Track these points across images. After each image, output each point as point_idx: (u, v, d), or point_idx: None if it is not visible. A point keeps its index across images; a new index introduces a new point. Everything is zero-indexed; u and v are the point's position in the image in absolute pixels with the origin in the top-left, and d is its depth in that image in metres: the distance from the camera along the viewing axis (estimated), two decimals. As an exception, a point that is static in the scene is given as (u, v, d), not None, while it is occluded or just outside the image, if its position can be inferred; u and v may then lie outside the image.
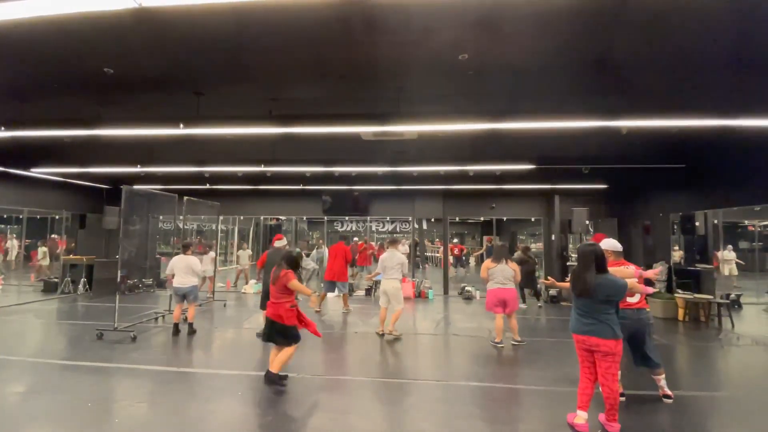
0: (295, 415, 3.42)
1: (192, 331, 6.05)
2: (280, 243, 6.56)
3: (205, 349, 5.49)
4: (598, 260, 3.16)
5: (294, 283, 3.96)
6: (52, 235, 11.53)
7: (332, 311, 8.15)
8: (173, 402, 3.68)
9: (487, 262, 5.80)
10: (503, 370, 4.73)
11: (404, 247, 11.03)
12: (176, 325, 6.06)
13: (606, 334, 3.09)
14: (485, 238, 19.01)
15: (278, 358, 3.93)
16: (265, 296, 6.19)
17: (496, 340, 5.60)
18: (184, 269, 6.06)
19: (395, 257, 6.18)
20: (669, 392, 3.79)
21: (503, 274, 5.58)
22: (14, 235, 10.89)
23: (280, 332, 3.95)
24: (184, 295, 6.10)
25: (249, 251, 11.88)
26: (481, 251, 16.77)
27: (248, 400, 3.70)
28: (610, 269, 3.36)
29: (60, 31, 3.44)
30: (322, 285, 9.72)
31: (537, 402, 3.79)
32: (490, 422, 3.31)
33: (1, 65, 4.22)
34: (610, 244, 3.86)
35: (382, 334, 6.09)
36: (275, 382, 3.91)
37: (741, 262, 8.41)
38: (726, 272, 7.99)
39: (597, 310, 3.14)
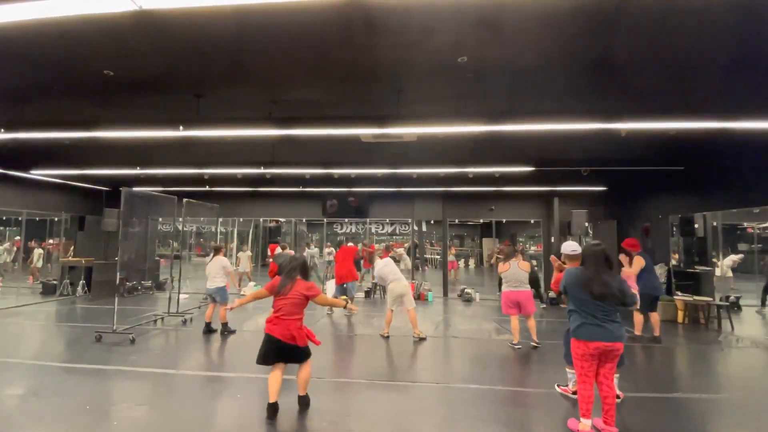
0: (296, 418, 3.41)
1: (227, 331, 6.23)
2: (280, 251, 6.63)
3: (205, 351, 5.48)
4: (607, 261, 3.11)
5: (323, 297, 3.65)
6: (50, 240, 11.55)
7: (335, 313, 8.14)
8: (172, 405, 3.67)
9: (500, 266, 5.91)
10: (503, 372, 4.72)
11: (400, 250, 11.13)
12: (207, 324, 6.30)
13: (623, 336, 3.05)
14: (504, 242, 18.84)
15: (303, 380, 3.52)
16: None
17: (513, 342, 5.65)
18: (214, 271, 6.33)
19: (391, 260, 6.29)
20: (620, 393, 3.72)
21: (516, 277, 5.63)
22: (17, 237, 10.87)
23: (294, 350, 3.41)
24: (213, 297, 6.36)
25: (249, 253, 11.84)
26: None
27: (248, 402, 3.69)
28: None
29: (60, 33, 3.45)
30: (324, 287, 9.74)
31: (538, 405, 3.78)
32: (491, 424, 3.30)
33: (1, 67, 4.23)
34: (566, 247, 3.92)
35: (387, 336, 6.08)
36: (309, 403, 3.56)
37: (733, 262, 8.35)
38: (718, 273, 7.96)
39: (614, 312, 3.05)
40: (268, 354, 3.40)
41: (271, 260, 6.63)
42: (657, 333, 5.97)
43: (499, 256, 11.14)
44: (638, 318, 6.08)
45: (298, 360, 3.49)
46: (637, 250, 6.08)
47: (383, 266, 6.27)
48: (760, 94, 4.57)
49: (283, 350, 3.38)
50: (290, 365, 3.52)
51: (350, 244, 11.05)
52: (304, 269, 3.58)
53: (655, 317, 6.02)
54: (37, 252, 11.26)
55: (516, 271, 5.65)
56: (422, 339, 5.96)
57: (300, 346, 3.39)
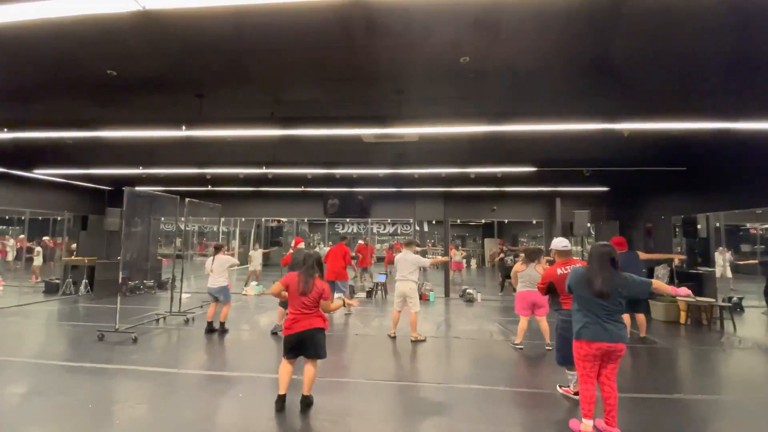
0: (297, 417, 3.42)
1: (223, 331, 6.21)
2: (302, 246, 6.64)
3: (207, 350, 5.49)
4: (613, 261, 3.10)
5: (328, 303, 3.61)
6: (44, 237, 11.61)
7: (335, 314, 8.14)
8: (174, 404, 3.68)
9: (517, 266, 5.82)
10: (505, 373, 4.71)
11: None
12: (209, 324, 6.24)
13: (626, 337, 3.05)
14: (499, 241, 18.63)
15: (309, 378, 3.54)
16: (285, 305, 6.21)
17: (515, 341, 5.62)
18: (216, 270, 6.25)
19: (408, 257, 6.08)
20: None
21: (531, 279, 5.58)
22: (22, 236, 10.91)
23: (323, 342, 3.56)
24: (216, 296, 6.31)
25: (261, 251, 11.87)
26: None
27: (249, 402, 3.70)
28: (558, 270, 3.59)
29: (63, 33, 3.46)
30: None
31: (539, 405, 3.77)
32: (492, 425, 3.30)
33: (4, 67, 4.25)
34: (556, 243, 3.89)
35: (394, 337, 6.06)
36: (311, 403, 3.57)
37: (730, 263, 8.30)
38: (718, 274, 7.93)
39: (617, 312, 3.05)
40: (292, 347, 3.50)
41: (290, 252, 6.58)
42: (643, 334, 5.97)
43: (502, 254, 11.13)
44: None
45: (314, 351, 3.53)
46: (623, 249, 5.95)
47: (398, 258, 6.21)
48: (763, 94, 4.55)
49: (302, 339, 3.47)
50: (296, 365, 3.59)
51: (361, 242, 11.05)
52: (320, 265, 3.64)
53: (640, 318, 6.00)
54: (37, 250, 11.31)
55: (532, 272, 5.61)
56: (419, 342, 5.89)
57: (321, 328, 3.53)
